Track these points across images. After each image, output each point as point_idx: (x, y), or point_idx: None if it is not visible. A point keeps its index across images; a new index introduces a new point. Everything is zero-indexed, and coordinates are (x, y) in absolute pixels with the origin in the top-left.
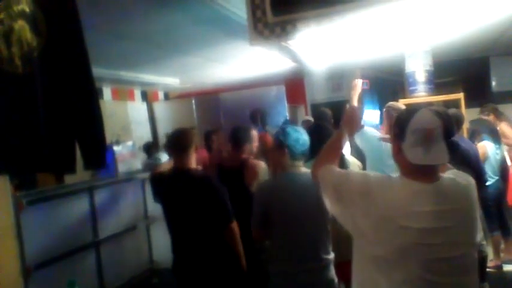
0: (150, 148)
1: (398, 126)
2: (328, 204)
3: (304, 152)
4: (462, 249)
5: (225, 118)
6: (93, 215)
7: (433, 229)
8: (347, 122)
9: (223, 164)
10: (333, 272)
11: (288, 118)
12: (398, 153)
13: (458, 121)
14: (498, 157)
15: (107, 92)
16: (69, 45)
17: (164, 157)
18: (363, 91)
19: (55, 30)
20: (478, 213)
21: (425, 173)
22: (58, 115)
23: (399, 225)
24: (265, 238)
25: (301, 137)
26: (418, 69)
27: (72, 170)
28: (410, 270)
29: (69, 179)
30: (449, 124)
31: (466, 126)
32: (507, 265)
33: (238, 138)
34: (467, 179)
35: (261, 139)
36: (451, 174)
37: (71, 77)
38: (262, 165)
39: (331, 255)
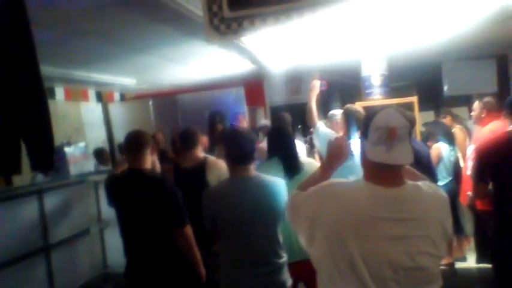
0: (102, 154)
1: (363, 124)
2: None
3: (244, 156)
4: (422, 261)
5: (183, 120)
6: (43, 219)
7: (391, 237)
8: (334, 155)
9: (179, 165)
10: (285, 275)
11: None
12: (362, 154)
13: (412, 123)
14: (452, 158)
15: (59, 92)
16: (16, 44)
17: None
18: (321, 92)
19: (1, 27)
20: (447, 225)
21: (387, 176)
22: (3, 115)
23: (355, 232)
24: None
25: (239, 140)
26: (374, 73)
27: (17, 170)
28: (365, 282)
29: (18, 181)
30: (412, 126)
31: (418, 128)
32: (459, 262)
33: (189, 139)
34: (435, 189)
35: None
36: (420, 183)
37: (17, 75)
38: (222, 163)
39: (283, 258)
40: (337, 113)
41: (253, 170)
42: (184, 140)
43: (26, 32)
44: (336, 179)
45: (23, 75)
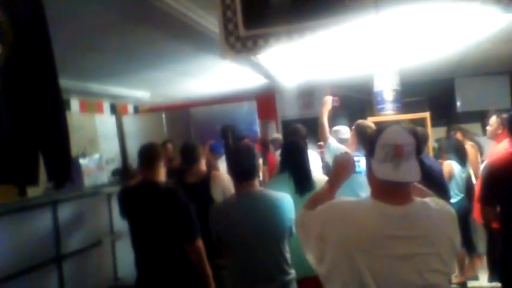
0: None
1: (369, 141)
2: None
3: (247, 172)
4: (432, 278)
5: (195, 133)
6: (57, 230)
7: (400, 255)
8: (339, 170)
9: (183, 179)
10: None
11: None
12: (369, 172)
13: (424, 139)
14: (464, 175)
15: (74, 104)
16: (36, 56)
17: None
18: (333, 108)
19: (22, 39)
20: (456, 241)
21: (395, 194)
22: (22, 126)
23: (364, 251)
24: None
25: (241, 157)
26: (386, 88)
27: (34, 182)
28: None
29: (32, 193)
30: (420, 142)
31: (430, 144)
32: (471, 281)
33: (191, 154)
34: (442, 205)
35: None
36: (427, 199)
37: (36, 87)
38: (227, 176)
39: (290, 275)
40: (340, 129)
41: (257, 185)
42: (186, 155)
43: (47, 46)
44: (343, 197)
45: (42, 87)
